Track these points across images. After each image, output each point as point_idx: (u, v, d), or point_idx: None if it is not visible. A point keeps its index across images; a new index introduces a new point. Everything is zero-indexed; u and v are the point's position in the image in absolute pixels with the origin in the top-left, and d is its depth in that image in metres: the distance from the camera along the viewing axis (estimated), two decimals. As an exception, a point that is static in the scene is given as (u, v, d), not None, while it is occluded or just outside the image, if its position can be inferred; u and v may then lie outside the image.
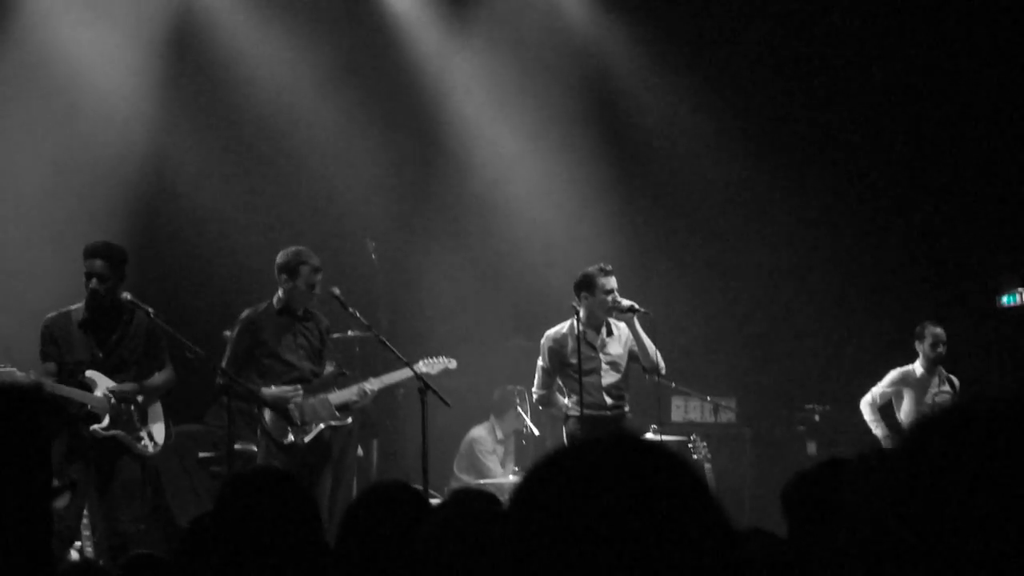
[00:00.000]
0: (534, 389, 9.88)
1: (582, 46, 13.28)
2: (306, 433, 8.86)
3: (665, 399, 12.04)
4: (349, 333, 10.32)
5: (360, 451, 10.88)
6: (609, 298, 9.50)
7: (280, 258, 9.01)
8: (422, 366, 9.29)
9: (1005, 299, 13.03)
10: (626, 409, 9.75)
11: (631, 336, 9.69)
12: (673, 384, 10.72)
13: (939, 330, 11.12)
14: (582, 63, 13.25)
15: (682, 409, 12.50)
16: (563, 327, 9.66)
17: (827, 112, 13.37)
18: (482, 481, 10.79)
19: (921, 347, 11.13)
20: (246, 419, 9.65)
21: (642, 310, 9.52)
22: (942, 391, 11.15)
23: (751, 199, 13.35)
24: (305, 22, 12.37)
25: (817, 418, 12.40)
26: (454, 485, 10.94)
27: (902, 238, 13.39)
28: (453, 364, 9.66)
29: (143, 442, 8.40)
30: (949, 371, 11.24)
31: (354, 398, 9.13)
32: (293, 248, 9.07)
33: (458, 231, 13.08)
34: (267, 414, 8.85)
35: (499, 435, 11.66)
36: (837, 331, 13.08)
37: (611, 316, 9.67)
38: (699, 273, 13.33)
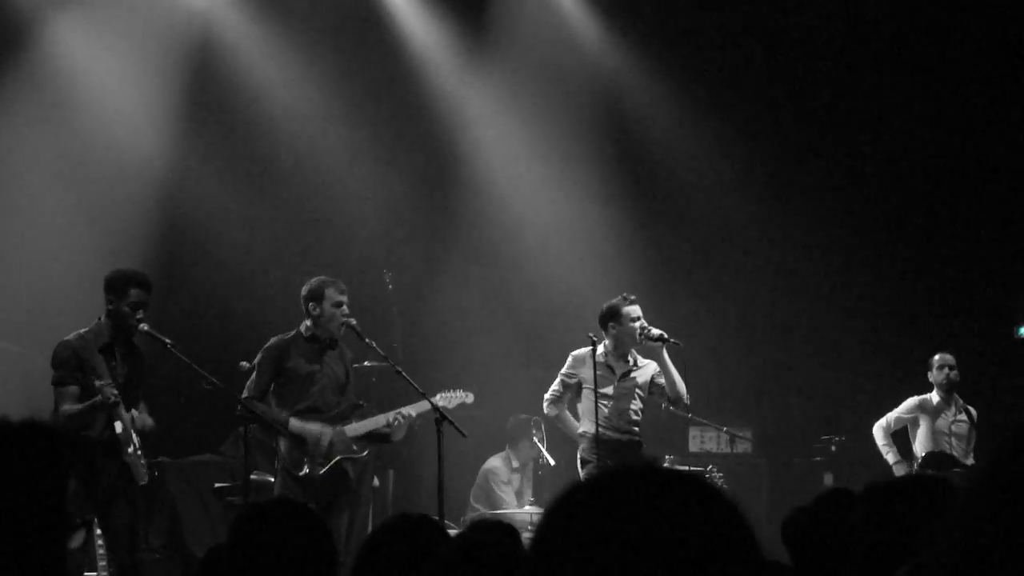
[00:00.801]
0: (546, 395, 9.92)
1: (601, 76, 13.30)
2: (322, 466, 8.83)
3: (682, 430, 12.04)
4: (366, 364, 10.31)
5: (376, 481, 10.85)
6: (637, 325, 9.60)
7: (305, 289, 9.02)
8: (439, 399, 9.23)
9: (1023, 330, 12.98)
10: (639, 439, 9.78)
11: (655, 371, 9.73)
12: (690, 415, 10.71)
13: (948, 356, 11.13)
14: (601, 93, 13.26)
15: (699, 439, 12.49)
16: (588, 350, 9.69)
17: (845, 144, 13.36)
18: (496, 512, 10.76)
19: (932, 375, 11.13)
20: (263, 449, 9.63)
21: (672, 340, 9.56)
22: (958, 420, 11.12)
23: (769, 231, 13.34)
24: (323, 51, 12.41)
25: (834, 449, 12.35)
26: (471, 515, 10.93)
27: (920, 270, 13.36)
28: (470, 398, 9.61)
29: (143, 472, 8.37)
30: (967, 402, 11.21)
31: (384, 427, 9.06)
32: (317, 278, 9.09)
33: (475, 261, 13.09)
34: (283, 445, 8.82)
35: (515, 464, 11.64)
36: (854, 363, 13.04)
37: (640, 344, 9.71)
38: (716, 304, 13.31)
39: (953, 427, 11.09)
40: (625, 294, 9.78)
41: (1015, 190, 12.98)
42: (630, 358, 9.80)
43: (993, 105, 12.90)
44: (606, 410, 9.59)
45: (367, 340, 8.89)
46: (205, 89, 12.17)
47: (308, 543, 3.41)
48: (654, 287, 12.16)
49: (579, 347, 9.78)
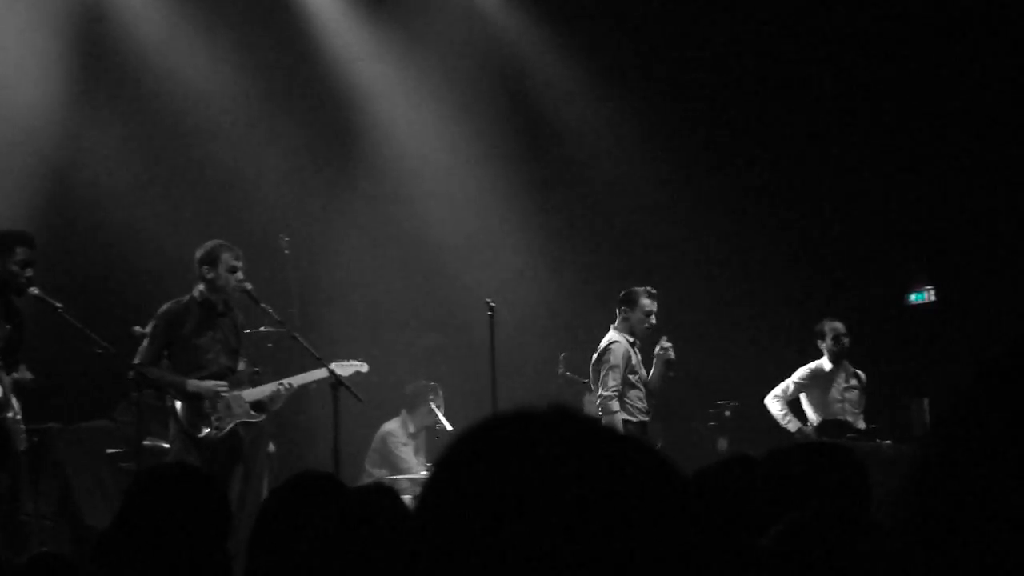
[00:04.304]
0: (608, 394, 10.01)
1: (501, 43, 13.29)
2: (220, 429, 8.76)
3: (578, 393, 12.07)
4: (261, 329, 10.24)
5: (272, 447, 10.79)
6: (648, 319, 9.89)
7: (199, 251, 8.94)
8: (334, 368, 9.22)
9: (913, 297, 13.20)
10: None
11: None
12: (585, 380, 10.79)
13: (838, 323, 11.25)
14: (502, 61, 13.26)
15: (594, 404, 12.54)
16: (620, 339, 9.97)
17: (743, 113, 13.45)
18: (396, 476, 10.76)
19: (824, 344, 11.23)
20: (156, 415, 9.53)
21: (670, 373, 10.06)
22: (850, 385, 11.26)
23: (664, 197, 13.40)
24: (220, 13, 12.25)
25: (728, 414, 12.48)
26: (366, 480, 10.90)
27: (812, 237, 13.50)
28: (365, 368, 9.57)
29: (23, 437, 8.25)
30: (856, 366, 11.35)
31: (269, 396, 9.03)
32: (212, 241, 9.01)
33: (373, 226, 13.03)
34: (180, 407, 8.74)
35: (411, 429, 11.60)
36: (747, 329, 13.17)
37: (645, 336, 10.04)
38: (609, 272, 13.35)
39: (845, 393, 11.23)
40: (649, 288, 10.03)
41: (908, 158, 13.15)
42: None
43: (893, 74, 13.04)
44: (640, 394, 9.95)
45: (263, 305, 8.84)
46: (98, 47, 11.96)
47: (202, 506, 3.39)
48: (552, 252, 12.20)
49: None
